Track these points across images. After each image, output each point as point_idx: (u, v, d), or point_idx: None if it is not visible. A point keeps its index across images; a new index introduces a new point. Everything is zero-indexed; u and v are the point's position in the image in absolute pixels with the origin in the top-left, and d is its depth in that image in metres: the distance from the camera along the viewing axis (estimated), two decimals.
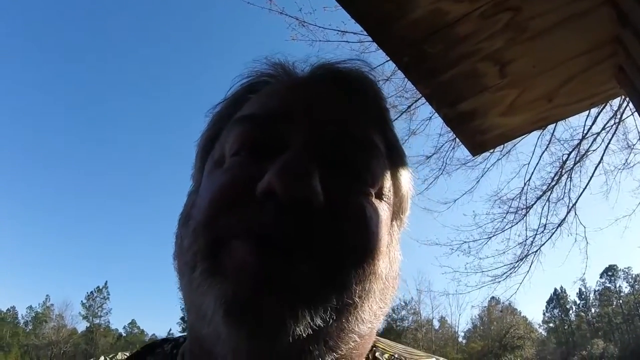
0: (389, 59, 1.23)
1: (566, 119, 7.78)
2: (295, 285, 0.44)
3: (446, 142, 9.20)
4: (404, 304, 48.68)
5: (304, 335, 0.42)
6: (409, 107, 8.93)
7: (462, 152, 8.86)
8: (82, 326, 53.41)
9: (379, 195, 0.55)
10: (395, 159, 0.60)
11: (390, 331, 47.79)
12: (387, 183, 0.57)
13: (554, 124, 8.31)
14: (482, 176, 9.48)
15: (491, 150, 9.07)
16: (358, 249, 0.49)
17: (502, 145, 8.95)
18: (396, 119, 9.28)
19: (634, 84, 1.16)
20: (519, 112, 1.46)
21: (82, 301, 53.27)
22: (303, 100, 0.57)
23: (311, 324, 0.43)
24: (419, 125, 9.26)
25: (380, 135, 0.58)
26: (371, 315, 0.50)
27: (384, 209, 0.55)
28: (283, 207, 0.45)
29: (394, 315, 48.79)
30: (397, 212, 0.60)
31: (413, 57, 1.19)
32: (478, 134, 1.59)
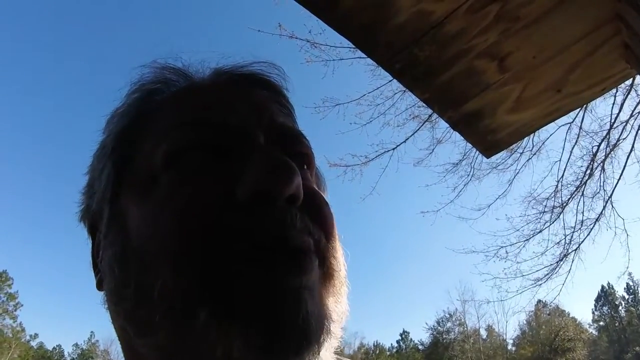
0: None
1: (592, 109, 7.61)
2: (312, 286, 0.43)
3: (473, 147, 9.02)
4: (448, 316, 47.65)
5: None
6: (430, 115, 8.85)
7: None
8: None
9: (318, 185, 0.58)
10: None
11: (436, 344, 46.78)
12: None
13: (582, 117, 8.11)
14: (514, 178, 9.33)
15: (520, 151, 8.91)
16: (332, 235, 0.50)
17: (531, 144, 8.79)
18: (419, 128, 9.22)
19: None
20: (528, 107, 1.39)
21: None
22: (232, 101, 0.54)
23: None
24: (444, 134, 9.18)
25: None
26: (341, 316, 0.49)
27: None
28: (278, 207, 0.43)
29: (439, 327, 47.82)
30: None
31: (405, 63, 1.14)
32: (489, 135, 1.52)
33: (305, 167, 0.55)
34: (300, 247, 0.43)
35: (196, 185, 0.46)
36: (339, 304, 0.47)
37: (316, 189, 0.54)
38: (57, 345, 54.42)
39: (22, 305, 44.20)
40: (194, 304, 0.40)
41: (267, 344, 0.39)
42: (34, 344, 47.86)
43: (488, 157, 1.71)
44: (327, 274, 0.46)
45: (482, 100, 1.32)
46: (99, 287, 0.55)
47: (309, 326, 0.40)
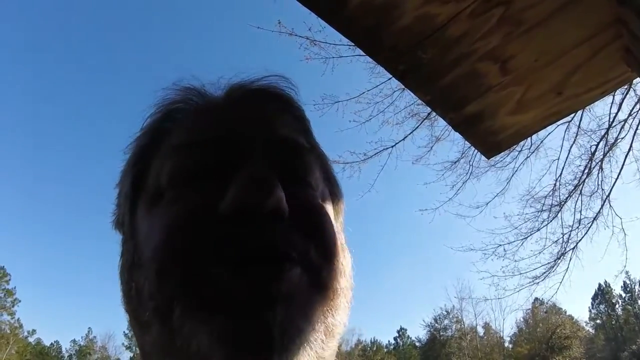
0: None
1: (590, 109, 7.62)
2: (291, 295, 0.44)
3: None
4: (445, 313, 47.78)
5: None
6: (429, 113, 8.86)
7: None
8: (125, 356, 53.37)
9: (322, 197, 0.58)
10: (323, 161, 0.63)
11: (434, 342, 46.92)
12: (322, 184, 0.59)
13: (580, 116, 8.13)
14: (512, 176, 9.36)
15: (518, 150, 8.92)
16: (327, 248, 0.50)
17: (529, 143, 8.80)
18: (417, 126, 9.23)
19: None
20: (529, 109, 1.40)
21: (124, 331, 53.43)
22: (237, 118, 0.57)
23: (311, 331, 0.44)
24: (443, 132, 9.20)
25: (306, 141, 0.60)
26: (344, 318, 0.50)
27: (330, 210, 0.57)
28: (256, 220, 0.45)
29: (436, 325, 47.95)
30: (337, 212, 0.63)
31: (408, 65, 1.15)
32: (490, 136, 1.54)
33: (306, 182, 0.56)
34: (277, 255, 0.45)
35: (186, 201, 0.50)
36: (331, 317, 0.48)
37: (314, 202, 0.54)
38: (55, 341, 54.39)
39: (19, 301, 44.27)
40: (171, 302, 0.44)
41: (231, 336, 0.41)
42: (31, 340, 47.89)
43: (489, 158, 1.73)
44: (317, 285, 0.47)
45: (483, 103, 1.33)
46: None
47: (284, 332, 0.41)
